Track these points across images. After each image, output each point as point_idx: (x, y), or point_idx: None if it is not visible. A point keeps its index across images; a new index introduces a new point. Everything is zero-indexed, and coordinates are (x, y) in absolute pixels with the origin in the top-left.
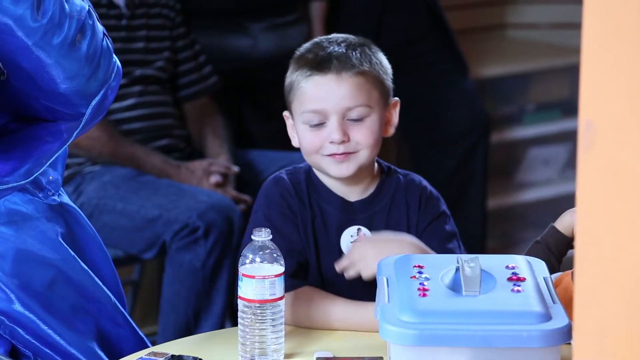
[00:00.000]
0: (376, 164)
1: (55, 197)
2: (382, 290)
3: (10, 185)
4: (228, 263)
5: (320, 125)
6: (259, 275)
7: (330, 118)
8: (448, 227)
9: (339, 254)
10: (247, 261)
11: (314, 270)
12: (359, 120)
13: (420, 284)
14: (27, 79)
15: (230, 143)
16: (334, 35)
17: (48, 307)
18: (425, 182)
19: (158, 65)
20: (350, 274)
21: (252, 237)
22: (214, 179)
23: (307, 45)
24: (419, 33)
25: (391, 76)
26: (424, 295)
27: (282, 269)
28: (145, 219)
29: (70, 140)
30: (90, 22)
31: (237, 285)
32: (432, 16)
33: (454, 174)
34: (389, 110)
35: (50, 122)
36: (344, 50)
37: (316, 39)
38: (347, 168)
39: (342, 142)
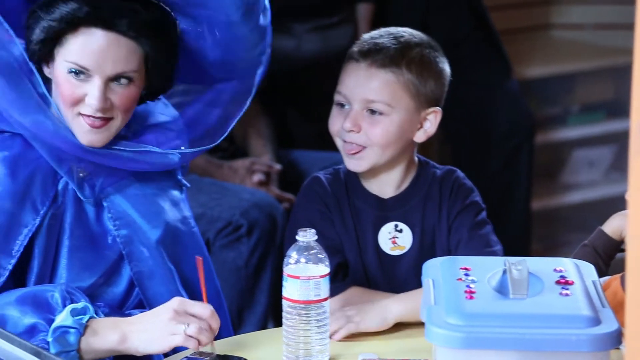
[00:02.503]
0: (415, 159)
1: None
2: (428, 292)
3: (194, 150)
4: (271, 262)
5: (343, 108)
6: (304, 276)
7: (351, 105)
8: (479, 217)
9: (377, 251)
10: (292, 262)
11: (358, 268)
12: (376, 115)
13: (466, 286)
14: (206, 47)
15: (274, 143)
16: (406, 30)
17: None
18: (460, 173)
19: None
20: (342, 334)
21: (297, 237)
22: (257, 177)
23: (381, 29)
24: (462, 34)
25: (444, 85)
26: (471, 297)
27: (327, 270)
28: None
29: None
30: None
31: (281, 285)
32: (476, 16)
33: (498, 175)
34: (423, 116)
35: None
36: (392, 46)
37: (391, 29)
38: (358, 164)
39: (352, 131)
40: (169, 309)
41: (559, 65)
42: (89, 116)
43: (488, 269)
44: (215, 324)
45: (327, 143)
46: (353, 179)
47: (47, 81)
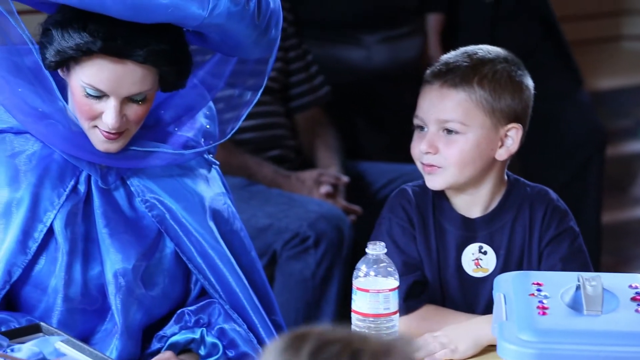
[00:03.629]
0: (505, 176)
1: (215, 161)
2: (499, 308)
3: (205, 148)
4: (338, 273)
5: (422, 132)
6: (373, 289)
7: (428, 127)
8: (573, 246)
9: (459, 272)
10: (362, 274)
11: (436, 287)
12: (452, 135)
13: (539, 302)
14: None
15: (341, 154)
16: (483, 47)
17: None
18: (553, 195)
19: (270, 76)
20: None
21: (367, 250)
22: (324, 189)
23: (457, 50)
24: (532, 44)
25: (524, 99)
26: (544, 313)
27: (396, 284)
28: (255, 228)
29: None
30: None
31: (347, 297)
32: (547, 27)
33: (568, 188)
34: (502, 133)
35: None
36: (464, 64)
37: (468, 48)
38: (434, 181)
39: (428, 152)
40: None
41: (630, 77)
42: (104, 131)
43: (561, 284)
44: None
45: (395, 154)
46: (440, 195)
47: (63, 84)
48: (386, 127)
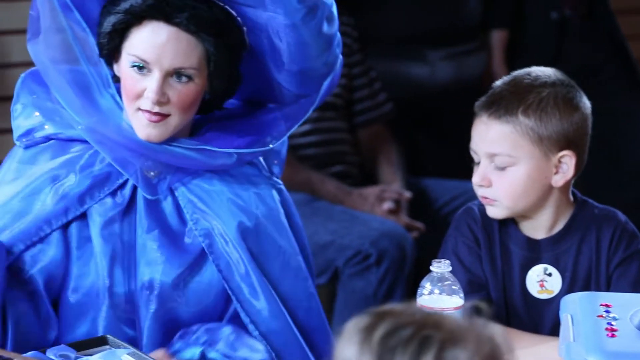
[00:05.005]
0: (571, 196)
1: (278, 181)
2: (566, 328)
3: (251, 150)
4: (400, 291)
5: (477, 163)
6: (438, 307)
7: (480, 159)
8: None
9: (524, 293)
10: (426, 292)
11: (501, 307)
12: (501, 168)
13: (607, 323)
14: (274, 56)
15: (404, 170)
16: (533, 71)
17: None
18: (622, 217)
19: (334, 92)
20: None
21: (431, 267)
22: (387, 205)
23: (505, 78)
24: (598, 61)
25: (576, 122)
26: (612, 335)
27: (461, 302)
28: (318, 244)
29: (296, 125)
30: (334, 8)
31: None
32: (613, 45)
33: (633, 209)
34: (556, 160)
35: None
36: (508, 94)
37: (518, 73)
38: (492, 212)
39: (481, 185)
40: None
41: None
42: (147, 111)
43: (630, 306)
44: None
45: (458, 171)
46: None
47: (117, 80)
48: (449, 143)
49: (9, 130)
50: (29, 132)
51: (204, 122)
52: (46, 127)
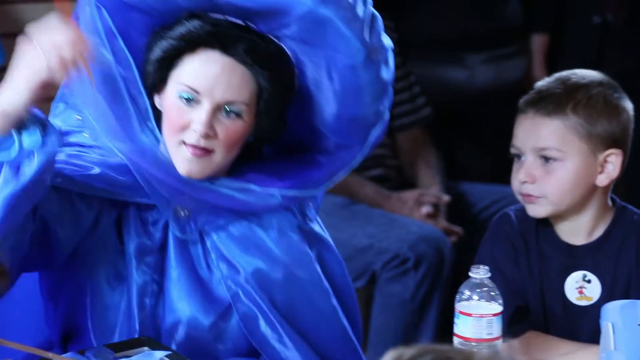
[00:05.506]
0: (610, 202)
1: (313, 225)
2: (607, 337)
3: (296, 192)
4: (438, 296)
5: (520, 161)
6: (476, 314)
7: (525, 156)
8: None
9: (562, 299)
10: (464, 298)
11: (539, 313)
12: (550, 163)
13: None
14: (323, 100)
15: (442, 174)
16: (578, 72)
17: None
18: None
19: None
20: None
21: (470, 274)
22: (425, 209)
23: (552, 76)
24: (639, 67)
25: (623, 123)
26: None
27: (500, 309)
28: (356, 248)
29: (344, 170)
30: (391, 53)
31: (447, 320)
32: None
33: None
34: (602, 159)
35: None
36: (557, 91)
37: (562, 73)
38: (534, 210)
39: (526, 182)
40: None
41: None
42: (192, 145)
43: None
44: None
45: (497, 176)
46: (543, 220)
47: (156, 113)
48: (488, 148)
49: None
50: (66, 134)
51: (241, 162)
52: (85, 134)
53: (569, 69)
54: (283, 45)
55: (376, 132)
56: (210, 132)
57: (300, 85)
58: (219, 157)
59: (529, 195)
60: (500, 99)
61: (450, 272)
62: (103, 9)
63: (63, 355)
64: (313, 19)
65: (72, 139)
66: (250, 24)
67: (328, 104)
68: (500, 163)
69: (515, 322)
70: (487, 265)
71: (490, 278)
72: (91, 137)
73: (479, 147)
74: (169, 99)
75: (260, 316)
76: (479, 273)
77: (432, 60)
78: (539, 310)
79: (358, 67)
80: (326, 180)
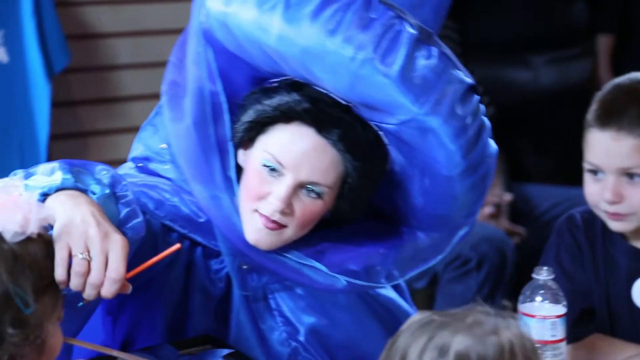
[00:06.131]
0: None
1: (382, 292)
2: None
3: (363, 284)
4: (500, 297)
5: (596, 176)
6: (540, 315)
7: (606, 175)
8: None
9: (629, 304)
10: (528, 299)
11: (604, 317)
12: (635, 179)
13: None
14: (412, 193)
15: (505, 175)
16: (633, 80)
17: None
18: None
19: None
20: None
21: (533, 275)
22: (488, 209)
23: (608, 86)
24: None
25: None
26: None
27: (564, 310)
28: None
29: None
30: (492, 166)
31: None
32: None
33: None
34: None
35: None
36: (632, 105)
37: (622, 82)
38: (619, 226)
39: (614, 203)
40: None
41: None
42: (265, 216)
43: None
44: (108, 287)
45: (560, 177)
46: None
47: (237, 168)
48: (551, 149)
49: (115, 131)
50: (146, 159)
51: (315, 229)
52: (166, 167)
53: (636, 71)
54: (381, 133)
55: (462, 232)
56: (287, 209)
57: (391, 169)
58: (291, 233)
59: (617, 214)
60: (564, 100)
61: (512, 273)
62: (210, 49)
63: (129, 354)
64: (417, 126)
65: (152, 166)
66: (352, 106)
67: (415, 197)
68: (563, 164)
69: (579, 325)
70: (552, 266)
71: (555, 280)
72: (171, 171)
73: (542, 149)
74: (252, 163)
75: None
76: (543, 274)
77: (495, 61)
78: (604, 313)
79: (454, 179)
80: (397, 280)
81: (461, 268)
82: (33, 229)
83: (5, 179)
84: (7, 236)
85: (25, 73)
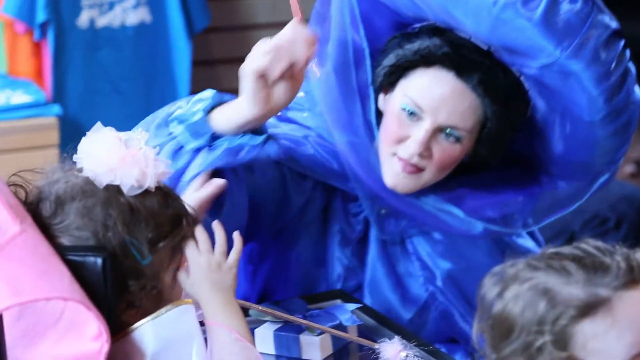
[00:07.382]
0: None
1: (520, 241)
2: None
3: (502, 229)
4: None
5: None
6: None
7: None
8: None
9: None
10: None
11: None
12: None
13: None
14: (551, 140)
15: None
16: None
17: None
18: None
19: None
20: None
21: None
22: (628, 168)
23: None
24: None
25: None
26: None
27: None
28: None
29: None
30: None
31: None
32: None
33: None
34: None
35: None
36: None
37: None
38: None
39: None
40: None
41: None
42: (403, 160)
43: None
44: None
45: None
46: None
47: (377, 113)
48: None
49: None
50: (285, 108)
51: (453, 174)
52: (304, 114)
53: None
54: (522, 79)
55: (603, 179)
56: (425, 153)
57: (532, 116)
58: (428, 176)
59: None
60: None
61: None
62: None
63: (260, 305)
64: (559, 70)
65: (290, 114)
66: (493, 50)
67: (556, 143)
68: None
69: None
70: None
71: None
72: (309, 119)
73: None
74: (392, 107)
75: (456, 312)
76: None
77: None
78: None
79: (596, 125)
80: (534, 225)
81: (599, 227)
82: (150, 183)
83: (129, 132)
84: (125, 189)
85: (167, 32)
